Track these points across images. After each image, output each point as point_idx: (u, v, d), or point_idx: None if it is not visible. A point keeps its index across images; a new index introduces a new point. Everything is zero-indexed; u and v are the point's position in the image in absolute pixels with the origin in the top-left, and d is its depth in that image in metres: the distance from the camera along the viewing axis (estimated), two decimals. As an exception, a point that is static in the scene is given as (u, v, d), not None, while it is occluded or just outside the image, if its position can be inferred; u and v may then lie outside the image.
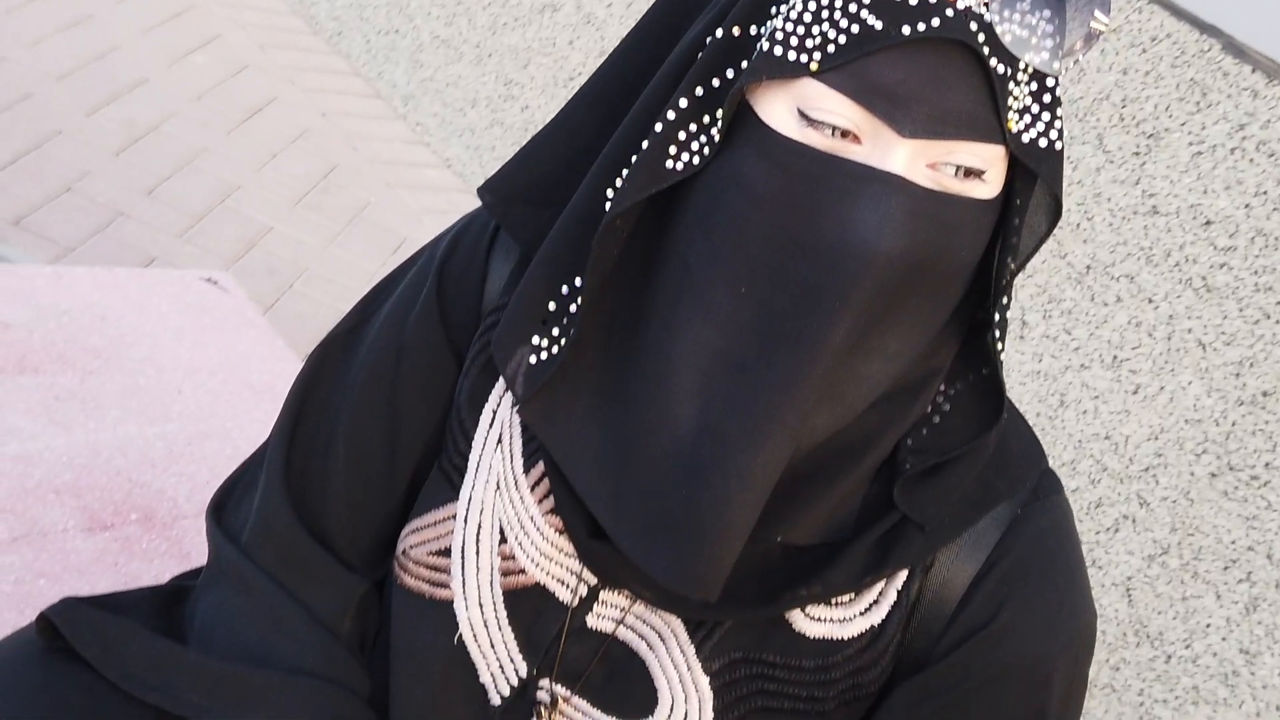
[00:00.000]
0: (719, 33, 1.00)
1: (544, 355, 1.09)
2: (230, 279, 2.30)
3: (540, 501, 1.13)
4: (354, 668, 1.20)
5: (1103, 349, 2.77)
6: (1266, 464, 2.58)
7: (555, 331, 1.08)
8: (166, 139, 3.59)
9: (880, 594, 1.10)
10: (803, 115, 0.98)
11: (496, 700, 1.16)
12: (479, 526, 1.14)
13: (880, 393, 1.03)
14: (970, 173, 0.99)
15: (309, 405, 1.21)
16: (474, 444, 1.16)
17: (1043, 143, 1.00)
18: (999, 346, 1.05)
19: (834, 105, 0.97)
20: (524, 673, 1.15)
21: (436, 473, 1.19)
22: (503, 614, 1.14)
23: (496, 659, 1.15)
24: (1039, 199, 1.04)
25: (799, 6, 0.98)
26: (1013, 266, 1.03)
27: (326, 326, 3.06)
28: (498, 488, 1.14)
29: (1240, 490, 2.61)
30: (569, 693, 1.14)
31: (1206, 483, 2.65)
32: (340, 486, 1.20)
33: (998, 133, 0.97)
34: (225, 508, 1.26)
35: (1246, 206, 2.59)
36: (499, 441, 1.14)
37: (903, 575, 1.10)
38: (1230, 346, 2.61)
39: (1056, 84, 1.00)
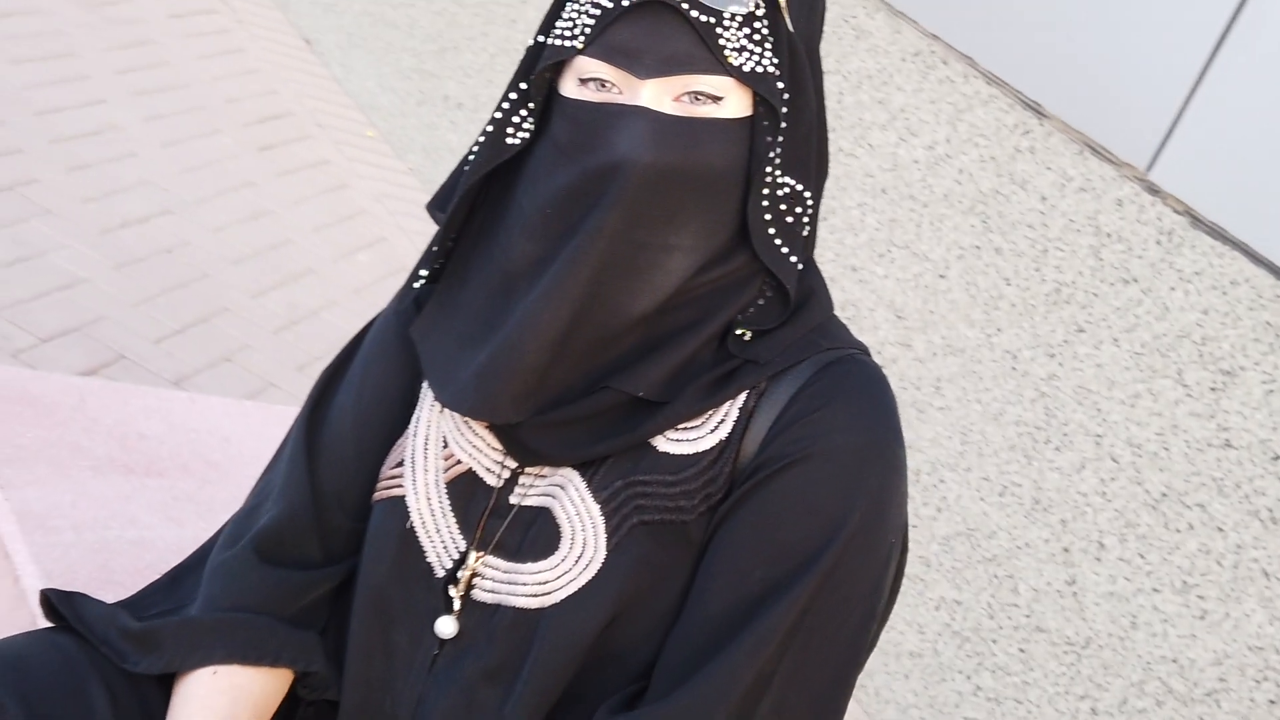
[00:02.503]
0: (530, 43, 1.39)
1: (420, 284, 1.50)
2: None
3: None
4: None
5: (1174, 574, 2.87)
6: (1323, 693, 2.64)
7: (435, 267, 1.49)
8: (324, 324, 3.89)
9: (725, 415, 1.40)
10: (580, 81, 1.35)
11: (440, 573, 1.46)
12: (426, 438, 1.48)
13: (684, 278, 1.37)
14: (710, 98, 1.34)
15: (318, 409, 1.58)
16: (423, 385, 1.51)
17: (758, 69, 1.34)
18: (770, 244, 1.38)
19: (594, 68, 1.34)
20: (462, 548, 1.45)
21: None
22: (445, 503, 1.46)
23: (440, 540, 1.46)
24: (795, 114, 1.37)
25: (566, 10, 1.35)
26: (768, 170, 1.36)
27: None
28: (441, 410, 1.48)
29: (1297, 719, 2.67)
30: (482, 555, 1.44)
31: (1266, 709, 2.72)
32: (343, 460, 1.55)
33: (717, 66, 1.33)
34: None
35: (1313, 443, 2.71)
36: None
37: (742, 397, 1.40)
38: (1292, 576, 2.70)
39: (762, 24, 1.34)
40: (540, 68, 1.39)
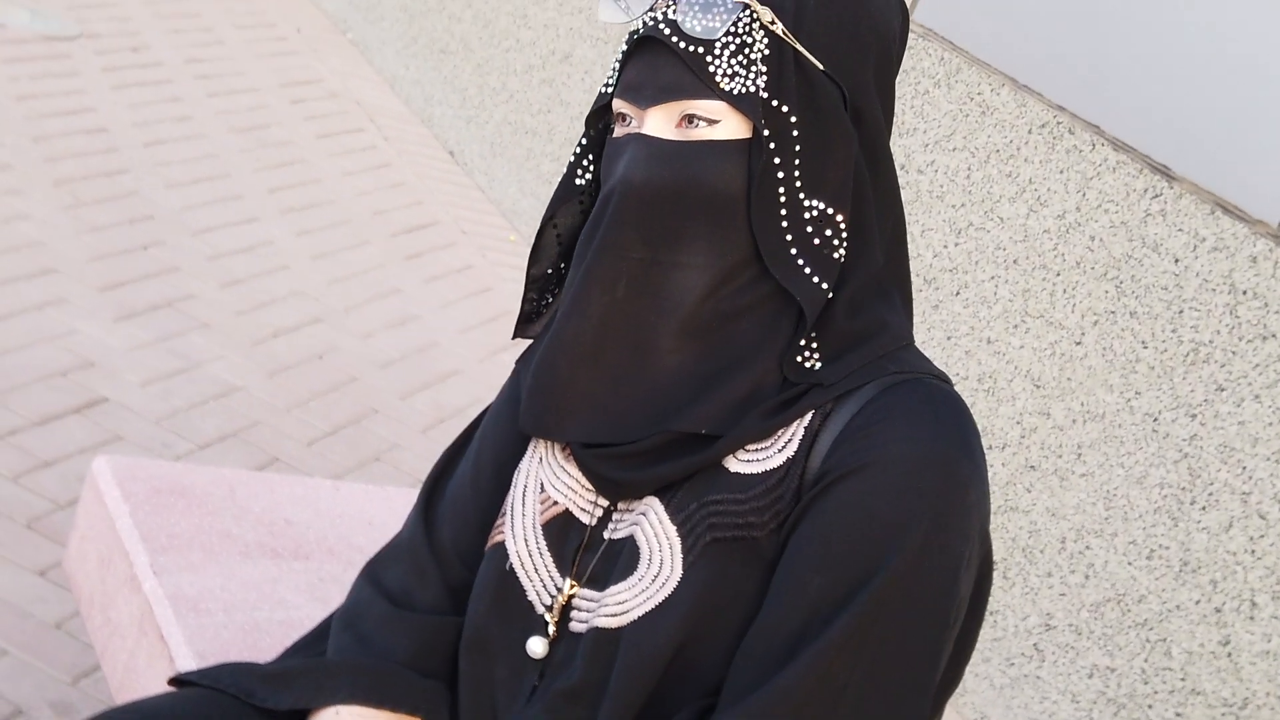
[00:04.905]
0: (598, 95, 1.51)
1: (523, 310, 1.59)
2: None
3: (569, 457, 1.54)
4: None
5: (1330, 631, 2.82)
6: None
7: (532, 296, 1.59)
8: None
9: (792, 435, 1.45)
10: (617, 120, 1.49)
11: (540, 609, 1.53)
12: (525, 487, 1.56)
13: (702, 295, 1.45)
14: (707, 121, 1.44)
15: (442, 477, 1.69)
16: (530, 440, 1.59)
17: (745, 90, 1.42)
18: (790, 264, 1.44)
19: (617, 106, 1.47)
20: (560, 584, 1.52)
21: None
22: (542, 543, 1.53)
23: (539, 577, 1.53)
24: (812, 137, 1.44)
25: (614, 62, 1.47)
26: (782, 190, 1.43)
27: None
28: (540, 460, 1.56)
29: None
30: (576, 586, 1.50)
31: None
32: (462, 518, 1.63)
33: (708, 91, 1.42)
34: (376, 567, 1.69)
35: None
36: None
37: (809, 417, 1.45)
38: None
39: (756, 51, 1.43)
40: (592, 109, 1.53)
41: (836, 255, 1.45)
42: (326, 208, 4.95)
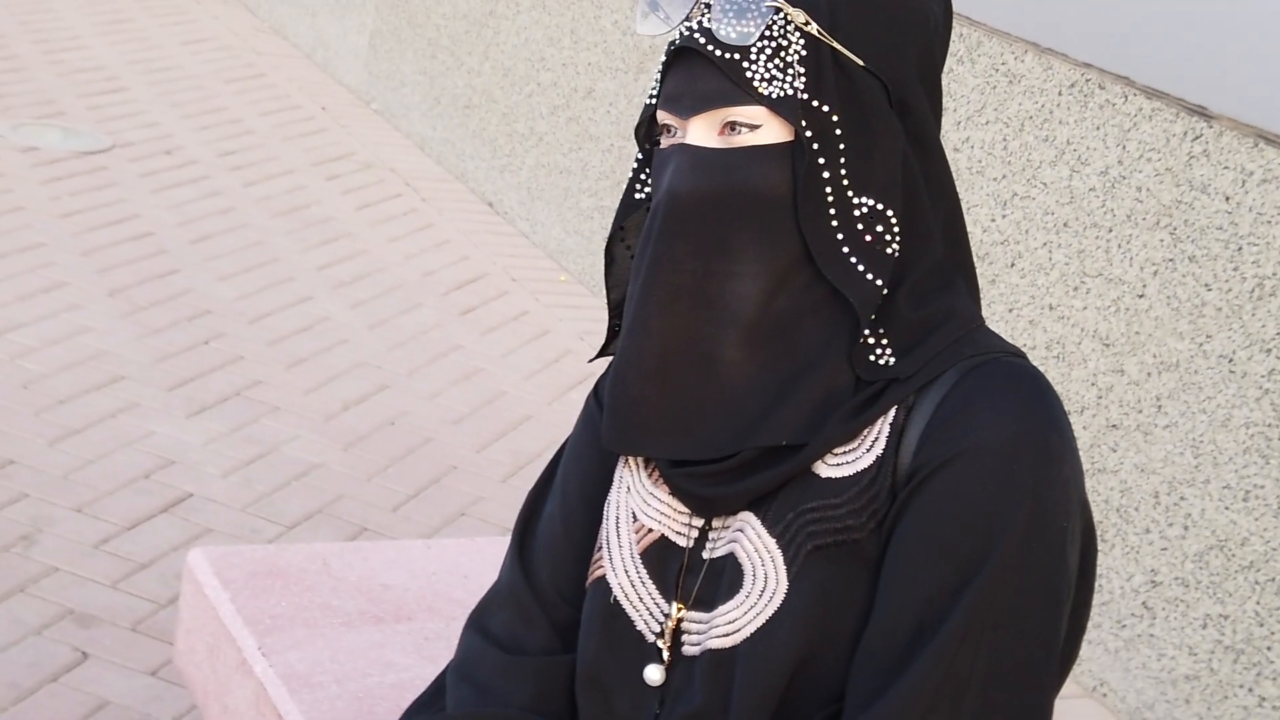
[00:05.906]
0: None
1: (608, 336, 1.58)
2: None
3: (658, 482, 1.53)
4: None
5: None
6: None
7: (616, 322, 1.58)
8: (549, 465, 3.99)
9: (878, 432, 1.45)
10: (663, 132, 1.49)
11: (650, 638, 1.52)
12: (617, 518, 1.55)
13: (759, 303, 1.44)
14: (748, 127, 1.43)
15: (531, 520, 1.68)
16: (615, 471, 1.58)
17: (784, 94, 1.42)
18: (842, 263, 1.43)
19: (661, 118, 1.47)
20: (667, 610, 1.51)
21: None
22: (642, 572, 1.53)
23: (645, 606, 1.52)
24: (856, 134, 1.44)
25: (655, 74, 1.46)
26: (829, 190, 1.43)
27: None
28: (628, 490, 1.55)
29: None
30: (683, 609, 1.49)
31: None
32: (557, 557, 1.63)
33: (746, 97, 1.42)
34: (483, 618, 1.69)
35: None
36: (628, 460, 1.58)
37: (892, 413, 1.45)
38: None
39: (792, 54, 1.42)
40: (641, 120, 1.53)
41: (890, 251, 1.44)
42: (376, 276, 5.00)
